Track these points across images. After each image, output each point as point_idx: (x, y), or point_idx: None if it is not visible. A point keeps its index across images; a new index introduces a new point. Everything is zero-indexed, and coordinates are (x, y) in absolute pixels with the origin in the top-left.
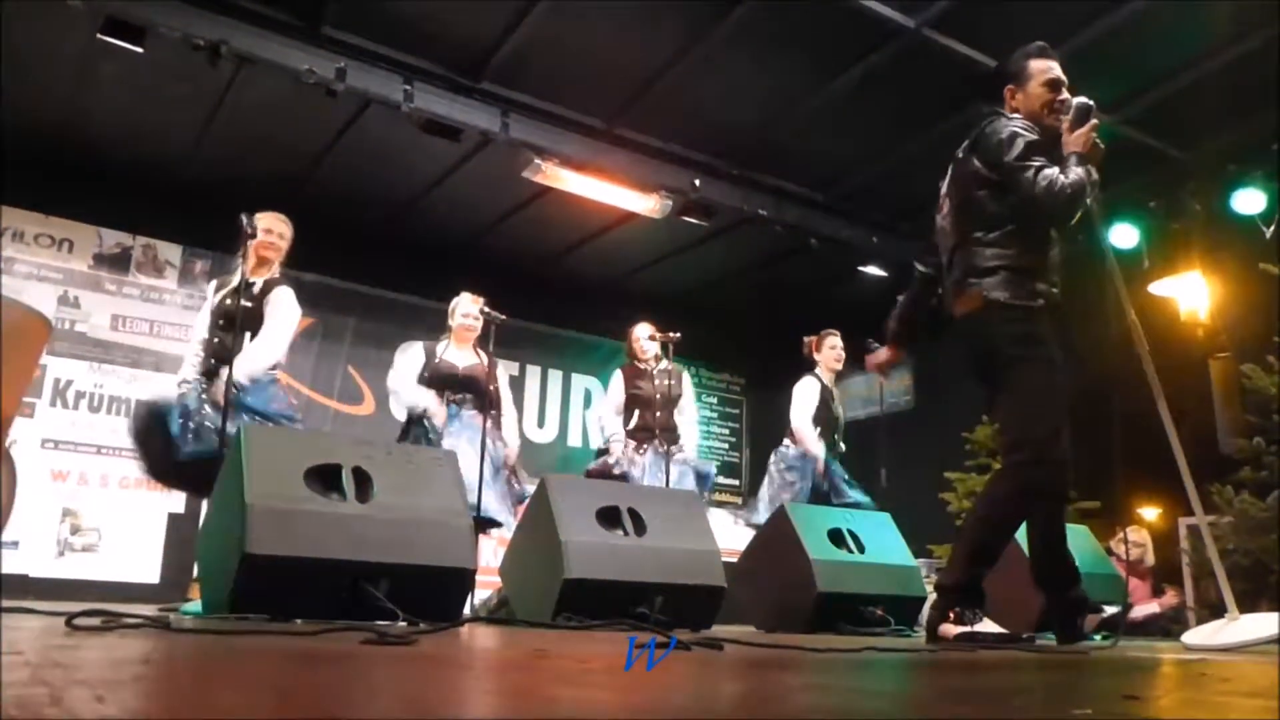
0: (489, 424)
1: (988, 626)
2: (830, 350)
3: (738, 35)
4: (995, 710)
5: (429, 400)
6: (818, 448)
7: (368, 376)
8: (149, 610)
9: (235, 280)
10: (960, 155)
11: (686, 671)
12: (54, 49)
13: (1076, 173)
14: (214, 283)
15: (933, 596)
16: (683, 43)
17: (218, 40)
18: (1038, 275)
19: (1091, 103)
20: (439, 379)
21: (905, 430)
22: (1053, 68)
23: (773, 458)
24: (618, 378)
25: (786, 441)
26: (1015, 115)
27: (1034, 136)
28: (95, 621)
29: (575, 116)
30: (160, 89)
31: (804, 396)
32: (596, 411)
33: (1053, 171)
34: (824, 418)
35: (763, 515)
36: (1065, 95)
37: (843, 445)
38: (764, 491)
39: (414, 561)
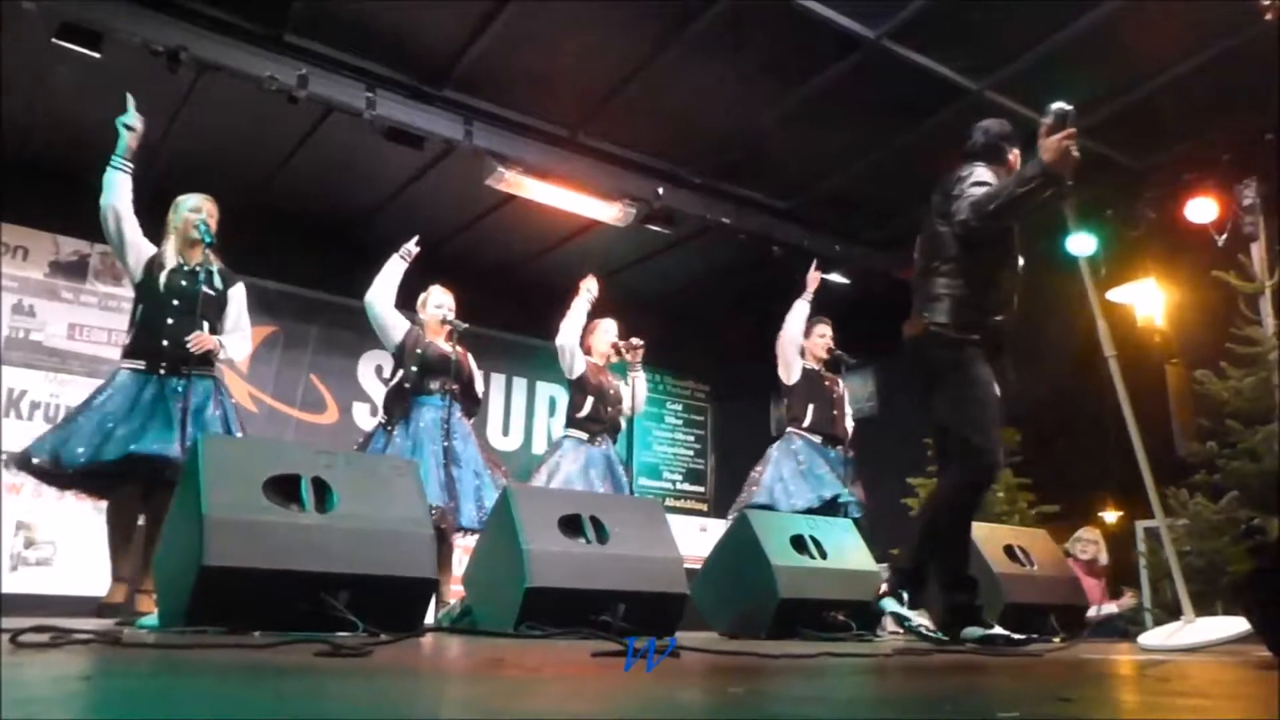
0: (472, 424)
1: (921, 619)
2: (820, 339)
3: (701, 45)
4: (926, 713)
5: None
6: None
7: (330, 385)
8: (106, 624)
9: (172, 261)
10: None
11: (638, 680)
12: (8, 53)
13: (990, 187)
14: (143, 262)
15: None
16: (646, 52)
17: (176, 46)
18: (983, 307)
19: (1069, 108)
20: (430, 362)
21: (869, 436)
22: None
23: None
24: (583, 357)
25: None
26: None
27: (991, 176)
28: (43, 638)
29: (539, 124)
30: (119, 94)
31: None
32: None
33: (977, 189)
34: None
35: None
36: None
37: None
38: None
39: (375, 572)
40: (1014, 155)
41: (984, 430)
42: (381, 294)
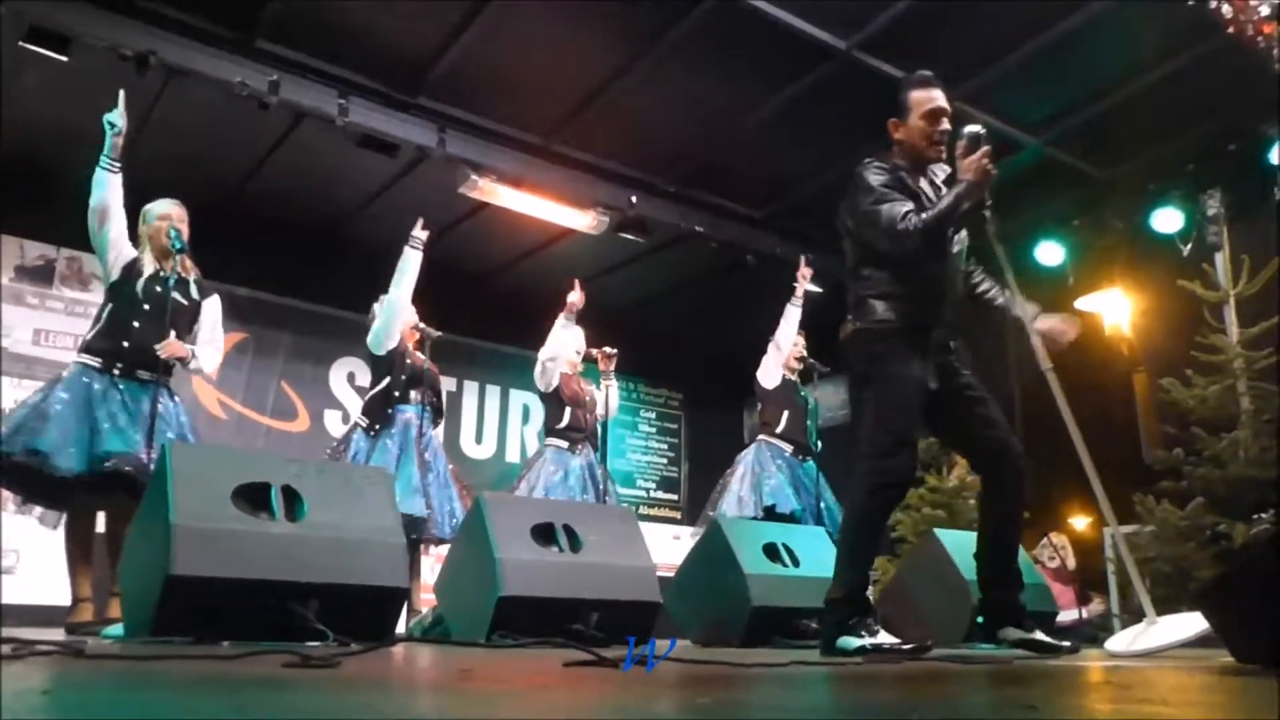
0: (441, 435)
1: (884, 638)
2: (793, 349)
3: (674, 54)
4: None
5: None
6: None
7: (302, 392)
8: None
9: (150, 268)
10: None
11: (608, 690)
12: None
13: (922, 216)
14: (122, 264)
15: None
16: (620, 61)
17: (145, 50)
18: (906, 300)
19: (983, 130)
20: (415, 371)
21: (841, 444)
22: (934, 97)
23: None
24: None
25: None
26: (879, 161)
27: (887, 177)
28: (5, 649)
29: (512, 132)
30: (87, 98)
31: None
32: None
33: (892, 208)
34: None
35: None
36: (945, 125)
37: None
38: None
39: (345, 581)
40: (892, 123)
41: (896, 431)
42: (408, 295)
